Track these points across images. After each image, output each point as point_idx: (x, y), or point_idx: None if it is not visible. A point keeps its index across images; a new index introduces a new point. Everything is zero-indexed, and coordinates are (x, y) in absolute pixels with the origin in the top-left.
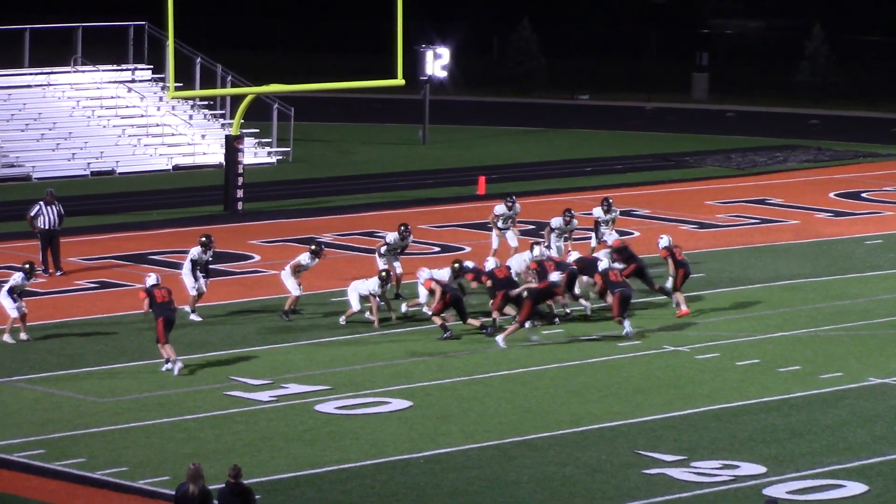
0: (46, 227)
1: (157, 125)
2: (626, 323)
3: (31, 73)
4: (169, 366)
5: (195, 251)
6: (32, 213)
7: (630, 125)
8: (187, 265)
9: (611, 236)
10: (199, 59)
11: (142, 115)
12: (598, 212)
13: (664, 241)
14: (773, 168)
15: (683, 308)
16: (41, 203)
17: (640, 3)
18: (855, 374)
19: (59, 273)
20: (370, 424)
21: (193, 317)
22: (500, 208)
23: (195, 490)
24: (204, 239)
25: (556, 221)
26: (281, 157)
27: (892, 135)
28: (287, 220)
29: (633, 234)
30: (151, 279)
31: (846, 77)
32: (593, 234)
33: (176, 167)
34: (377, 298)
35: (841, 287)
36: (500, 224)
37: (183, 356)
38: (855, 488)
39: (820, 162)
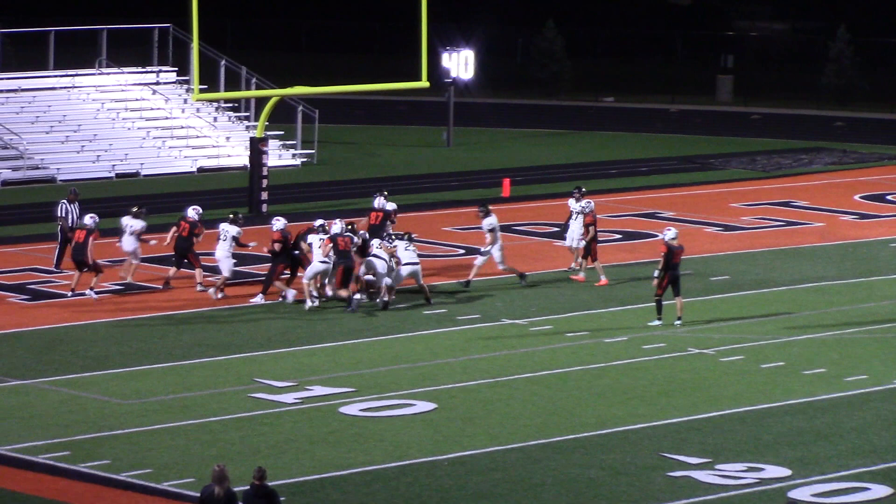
0: (71, 226)
1: (182, 127)
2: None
3: (55, 76)
4: None
5: (236, 229)
6: (62, 214)
7: (655, 127)
8: (230, 245)
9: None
10: (223, 62)
11: (166, 118)
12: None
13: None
14: (798, 170)
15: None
16: (65, 202)
17: (665, 5)
18: (880, 376)
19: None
20: (395, 426)
21: (213, 292)
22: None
23: (220, 492)
24: (241, 215)
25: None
26: (305, 160)
27: None
28: (311, 223)
29: (657, 236)
30: None
31: (871, 79)
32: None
33: (200, 169)
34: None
35: (866, 289)
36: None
37: (207, 358)
38: (880, 491)
39: (845, 164)
